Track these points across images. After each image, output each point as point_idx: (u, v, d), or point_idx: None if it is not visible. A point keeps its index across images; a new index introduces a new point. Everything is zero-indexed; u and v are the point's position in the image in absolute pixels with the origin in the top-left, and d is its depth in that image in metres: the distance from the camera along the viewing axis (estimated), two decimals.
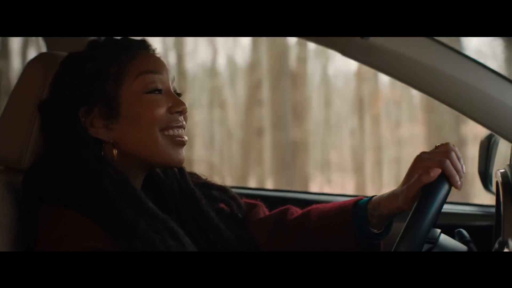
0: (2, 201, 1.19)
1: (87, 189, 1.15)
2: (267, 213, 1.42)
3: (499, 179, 1.34)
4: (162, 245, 1.12)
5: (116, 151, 1.20)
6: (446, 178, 1.12)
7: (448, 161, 1.13)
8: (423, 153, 1.18)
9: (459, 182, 1.13)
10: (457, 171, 1.13)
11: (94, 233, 1.10)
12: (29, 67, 1.30)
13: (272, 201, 1.48)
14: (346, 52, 1.40)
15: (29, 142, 1.25)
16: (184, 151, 1.24)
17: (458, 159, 1.15)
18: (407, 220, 1.08)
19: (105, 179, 1.15)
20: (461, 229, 1.33)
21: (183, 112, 1.23)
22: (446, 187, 1.12)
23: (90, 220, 1.11)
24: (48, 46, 1.64)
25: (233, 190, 1.41)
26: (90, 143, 1.19)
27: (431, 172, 1.12)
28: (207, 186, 1.37)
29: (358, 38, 1.36)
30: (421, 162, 1.16)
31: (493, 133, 1.55)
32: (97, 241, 1.09)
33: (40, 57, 1.32)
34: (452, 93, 1.38)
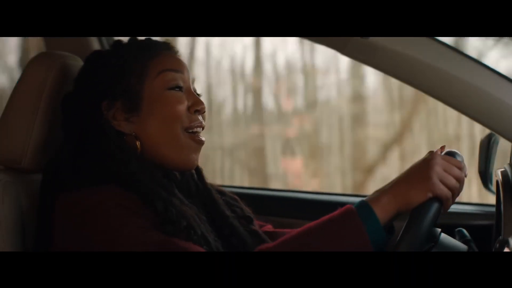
0: (2, 201, 1.20)
1: (114, 175, 1.16)
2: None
3: (499, 178, 1.34)
4: (193, 220, 1.15)
5: (139, 143, 1.22)
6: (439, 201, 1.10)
7: (451, 198, 1.10)
8: (438, 158, 1.11)
9: (448, 209, 1.11)
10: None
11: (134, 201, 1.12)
12: (30, 66, 1.30)
13: (276, 201, 1.49)
14: (345, 51, 1.41)
15: (30, 141, 1.25)
16: (198, 156, 1.26)
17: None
18: (407, 220, 1.08)
19: (131, 165, 1.17)
20: (461, 228, 1.32)
21: (201, 111, 1.26)
22: (437, 206, 1.10)
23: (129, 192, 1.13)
24: (48, 46, 1.64)
25: (233, 189, 1.44)
26: (113, 134, 1.21)
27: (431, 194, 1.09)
28: (220, 193, 1.38)
29: (358, 38, 1.37)
30: (432, 172, 1.09)
31: (493, 132, 1.55)
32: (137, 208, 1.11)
33: (40, 56, 1.33)
34: (452, 92, 1.38)
